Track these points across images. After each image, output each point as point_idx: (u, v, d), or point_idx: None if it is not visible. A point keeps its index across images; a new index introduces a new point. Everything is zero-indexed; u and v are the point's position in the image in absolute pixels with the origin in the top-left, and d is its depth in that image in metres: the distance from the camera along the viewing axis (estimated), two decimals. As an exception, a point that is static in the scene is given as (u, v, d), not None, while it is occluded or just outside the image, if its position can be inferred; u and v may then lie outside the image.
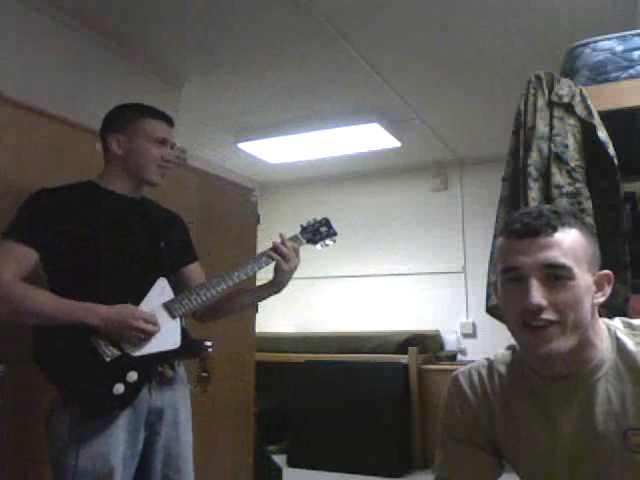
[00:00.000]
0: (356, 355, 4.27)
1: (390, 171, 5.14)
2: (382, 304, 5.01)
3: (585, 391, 1.01)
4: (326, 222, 1.87)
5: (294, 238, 1.77)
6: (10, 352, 1.64)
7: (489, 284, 1.62)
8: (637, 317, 1.13)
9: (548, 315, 0.95)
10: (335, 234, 1.88)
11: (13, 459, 1.69)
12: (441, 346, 4.72)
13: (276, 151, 4.47)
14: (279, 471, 3.34)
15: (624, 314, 1.37)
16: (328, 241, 1.86)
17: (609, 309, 1.38)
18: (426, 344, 4.36)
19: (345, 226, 4.90)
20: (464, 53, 3.08)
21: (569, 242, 0.98)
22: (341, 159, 4.71)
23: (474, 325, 4.71)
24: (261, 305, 2.94)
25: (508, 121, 1.81)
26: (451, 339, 4.76)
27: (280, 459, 3.71)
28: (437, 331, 4.77)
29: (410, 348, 4.06)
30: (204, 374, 2.45)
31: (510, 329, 1.02)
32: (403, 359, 4.04)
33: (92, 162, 1.82)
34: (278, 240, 1.68)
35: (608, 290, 1.03)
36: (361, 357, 4.23)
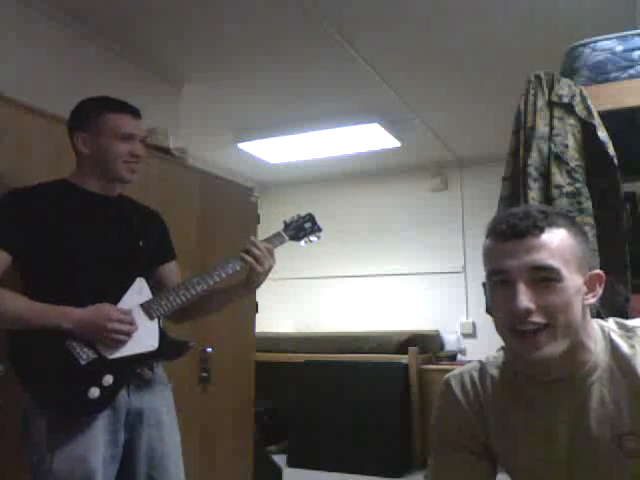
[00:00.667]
0: (356, 355, 4.26)
1: (390, 171, 5.14)
2: (382, 304, 5.02)
3: (579, 395, 0.99)
4: (310, 218, 1.80)
5: (277, 235, 1.72)
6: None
7: (489, 284, 1.62)
8: (637, 317, 1.12)
9: (537, 318, 0.92)
10: (320, 230, 1.80)
11: (13, 459, 1.69)
12: (441, 346, 4.72)
13: (276, 151, 4.47)
14: (279, 471, 3.34)
15: (624, 314, 1.37)
16: (312, 237, 1.78)
17: (609, 310, 1.38)
18: (426, 344, 4.36)
19: (345, 226, 5.05)
20: (464, 53, 3.08)
21: (557, 243, 0.95)
22: (341, 159, 4.71)
23: (474, 325, 4.71)
24: (261, 305, 2.96)
25: (508, 121, 1.81)
26: (451, 339, 4.76)
27: (280, 459, 3.71)
28: (437, 331, 4.77)
29: (410, 348, 4.06)
30: (204, 374, 2.45)
31: (499, 334, 1.00)
32: (403, 359, 4.04)
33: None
34: (250, 244, 1.63)
35: (600, 290, 1.00)
36: (361, 357, 4.22)
